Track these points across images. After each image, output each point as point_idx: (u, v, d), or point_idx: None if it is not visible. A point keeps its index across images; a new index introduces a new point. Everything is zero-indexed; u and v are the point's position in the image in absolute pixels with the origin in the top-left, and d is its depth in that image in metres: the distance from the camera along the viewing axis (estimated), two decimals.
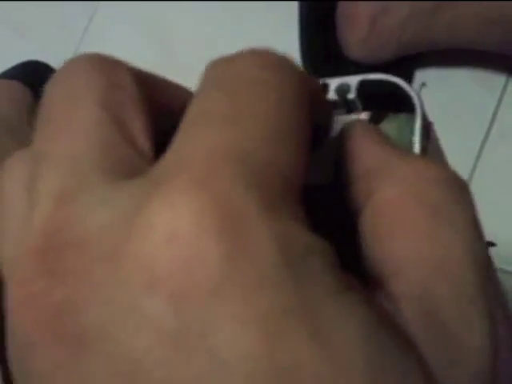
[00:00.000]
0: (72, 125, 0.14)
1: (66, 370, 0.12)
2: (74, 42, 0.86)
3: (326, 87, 0.20)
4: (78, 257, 0.12)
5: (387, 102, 0.20)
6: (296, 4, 0.68)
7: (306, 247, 0.12)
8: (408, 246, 0.14)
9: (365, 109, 0.20)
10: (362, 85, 0.20)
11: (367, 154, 0.16)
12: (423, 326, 0.13)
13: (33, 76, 0.83)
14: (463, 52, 0.62)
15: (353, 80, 0.20)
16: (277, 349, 0.11)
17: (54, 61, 0.86)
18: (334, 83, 0.20)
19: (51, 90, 0.16)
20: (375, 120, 0.20)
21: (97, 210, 0.13)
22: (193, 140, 0.13)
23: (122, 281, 0.12)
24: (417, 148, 0.19)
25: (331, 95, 0.20)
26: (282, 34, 0.67)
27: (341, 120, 0.19)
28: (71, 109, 0.15)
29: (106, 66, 0.15)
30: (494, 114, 0.61)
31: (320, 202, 0.18)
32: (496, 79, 0.62)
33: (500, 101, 0.61)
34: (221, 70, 0.15)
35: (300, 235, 0.12)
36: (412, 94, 0.19)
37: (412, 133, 0.19)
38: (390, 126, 0.20)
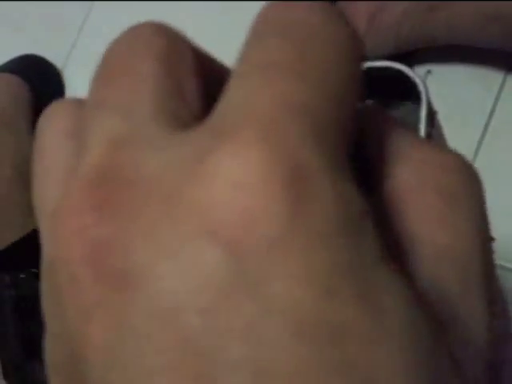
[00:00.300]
0: (129, 76, 0.14)
1: (104, 308, 0.12)
2: (71, 39, 0.86)
3: None
4: (131, 194, 0.12)
5: (391, 90, 0.20)
6: None
7: (361, 212, 0.12)
8: (421, 229, 0.14)
9: (369, 96, 0.20)
10: (367, 72, 0.20)
11: (383, 136, 0.16)
12: (431, 301, 0.14)
13: (30, 70, 0.83)
14: (461, 49, 0.63)
15: None
16: (328, 305, 0.11)
17: (50, 57, 0.86)
18: None
19: (111, 47, 0.15)
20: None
21: (155, 154, 0.12)
22: (257, 90, 0.13)
23: (177, 223, 0.11)
24: (422, 135, 0.19)
25: None
26: None
27: None
28: (130, 62, 0.14)
29: (167, 34, 0.15)
30: (492, 110, 0.61)
31: None
32: (494, 76, 0.62)
33: (497, 98, 0.61)
34: (282, 14, 0.14)
35: (357, 199, 0.12)
36: (417, 81, 0.19)
37: (417, 120, 0.20)
38: (394, 113, 0.20)
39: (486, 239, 0.15)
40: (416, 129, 0.20)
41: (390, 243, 0.15)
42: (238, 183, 0.11)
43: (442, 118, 0.23)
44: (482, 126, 0.60)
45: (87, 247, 0.12)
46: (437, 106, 0.25)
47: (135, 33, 0.15)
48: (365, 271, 0.12)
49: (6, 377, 0.59)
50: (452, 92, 0.62)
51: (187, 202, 0.11)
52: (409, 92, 0.20)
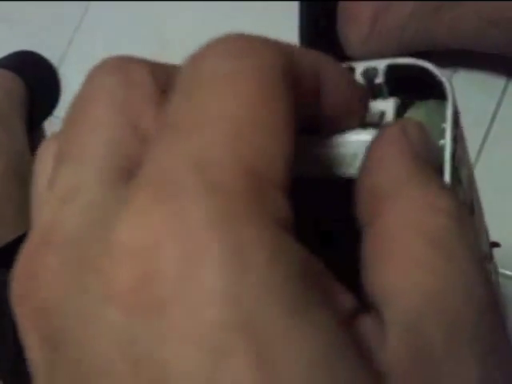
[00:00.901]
0: (84, 126, 0.15)
1: (46, 368, 0.13)
2: (68, 36, 0.85)
3: (352, 71, 0.19)
4: (55, 260, 0.13)
5: (415, 88, 0.19)
6: (296, 4, 0.67)
7: (269, 256, 0.12)
8: (403, 275, 0.14)
9: (391, 94, 0.19)
10: (390, 69, 0.19)
11: (384, 167, 0.16)
12: (408, 360, 0.13)
13: (26, 66, 0.82)
14: (463, 54, 0.62)
15: (380, 64, 0.19)
16: (218, 368, 0.11)
17: (46, 54, 0.85)
18: (360, 67, 0.19)
19: (77, 94, 0.16)
20: (402, 106, 0.19)
21: (84, 213, 0.13)
22: (161, 151, 0.13)
23: (85, 289, 0.12)
24: (448, 135, 0.18)
25: (357, 79, 0.19)
26: (282, 33, 0.66)
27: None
28: (86, 110, 0.15)
29: (121, 67, 0.16)
30: (494, 116, 0.61)
31: (320, 195, 0.18)
32: (495, 81, 0.62)
33: (499, 103, 0.61)
34: (185, 70, 0.15)
35: (265, 240, 0.12)
36: (443, 79, 0.18)
37: (442, 119, 0.19)
38: (418, 112, 0.19)
39: (477, 285, 0.14)
40: (439, 129, 0.19)
41: (369, 287, 0.14)
42: (132, 251, 0.12)
43: None
44: (483, 132, 0.60)
45: (29, 311, 0.13)
46: None
47: (93, 74, 0.16)
48: (263, 328, 0.11)
49: (2, 377, 0.58)
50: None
51: (91, 268, 0.12)
52: (433, 90, 0.19)
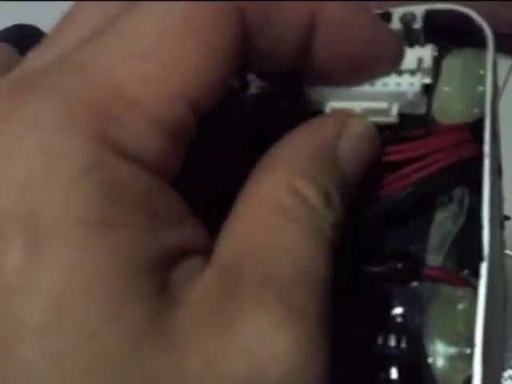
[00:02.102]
0: None
1: None
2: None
3: (389, 16, 0.19)
4: None
5: (452, 36, 0.19)
6: None
7: (80, 166, 0.12)
8: (240, 227, 0.15)
9: (427, 40, 0.19)
10: (428, 15, 0.18)
11: (285, 146, 0.16)
12: (212, 294, 0.13)
13: (23, 39, 0.80)
14: None
15: (419, 9, 0.18)
16: None
17: (44, 27, 0.84)
18: (397, 12, 0.19)
19: None
20: (439, 54, 0.19)
21: None
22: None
23: None
24: (489, 82, 0.17)
25: (395, 24, 0.19)
26: None
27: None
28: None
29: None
30: (499, 95, 0.61)
31: None
32: (502, 61, 0.62)
33: (505, 83, 0.61)
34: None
35: (84, 152, 0.12)
36: (483, 25, 0.18)
37: (479, 67, 0.18)
38: (456, 60, 0.19)
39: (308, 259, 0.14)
40: (477, 76, 0.19)
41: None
42: None
43: None
44: None
45: None
46: None
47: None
48: None
49: None
50: None
51: None
52: (470, 38, 0.19)
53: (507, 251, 0.58)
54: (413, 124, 0.17)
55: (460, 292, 0.17)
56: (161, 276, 0.13)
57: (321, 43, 0.16)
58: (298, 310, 0.13)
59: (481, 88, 0.18)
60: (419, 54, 0.18)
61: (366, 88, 0.17)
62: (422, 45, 0.19)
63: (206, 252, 0.14)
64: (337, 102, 0.17)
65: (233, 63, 0.14)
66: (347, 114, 0.17)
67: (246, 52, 0.14)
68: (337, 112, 0.17)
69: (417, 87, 0.17)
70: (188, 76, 0.13)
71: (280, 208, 0.14)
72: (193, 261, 0.14)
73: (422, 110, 0.18)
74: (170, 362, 0.12)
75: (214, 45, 0.13)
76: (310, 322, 0.13)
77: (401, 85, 0.17)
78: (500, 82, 0.61)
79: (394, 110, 0.17)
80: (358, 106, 0.17)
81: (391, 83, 0.17)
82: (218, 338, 0.12)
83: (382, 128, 0.17)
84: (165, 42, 0.13)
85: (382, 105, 0.17)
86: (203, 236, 0.14)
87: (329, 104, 0.18)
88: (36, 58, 0.15)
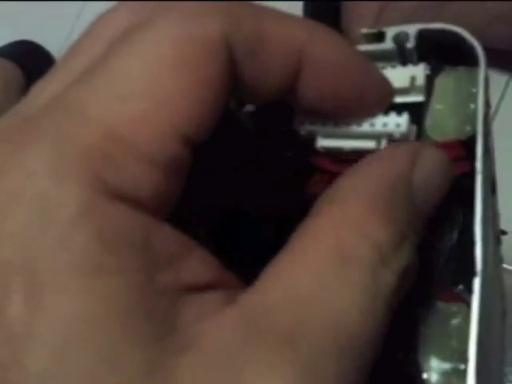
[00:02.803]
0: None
1: None
2: (68, 26, 0.84)
3: (382, 35, 0.19)
4: None
5: (445, 54, 0.19)
6: (300, 4, 0.67)
7: (73, 214, 0.12)
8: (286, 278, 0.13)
9: (420, 59, 0.19)
10: (421, 34, 0.19)
11: (356, 180, 0.15)
12: (233, 340, 0.12)
13: (25, 55, 0.81)
14: None
15: (411, 28, 0.19)
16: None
17: (46, 44, 0.85)
18: (391, 31, 0.19)
19: None
20: (432, 72, 0.19)
21: None
22: None
23: None
24: (480, 100, 0.18)
25: (388, 44, 0.19)
26: None
27: None
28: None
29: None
30: (495, 111, 0.61)
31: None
32: (498, 77, 0.62)
33: (502, 98, 0.61)
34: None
35: (74, 199, 0.12)
36: (474, 44, 0.18)
37: (471, 85, 0.19)
38: (448, 78, 0.19)
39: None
40: (469, 93, 0.19)
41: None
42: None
43: None
44: None
45: None
46: None
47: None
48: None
49: None
50: None
51: None
52: (462, 56, 0.19)
53: (506, 265, 0.58)
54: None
55: (454, 307, 0.17)
56: (164, 319, 0.12)
57: (306, 83, 0.16)
58: (320, 380, 0.12)
59: (473, 106, 0.18)
60: (412, 73, 0.19)
61: (353, 128, 0.17)
62: (415, 63, 0.19)
63: (227, 286, 0.13)
64: (326, 139, 0.18)
65: (223, 95, 0.14)
66: (419, 143, 0.16)
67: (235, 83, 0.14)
68: (408, 141, 0.16)
69: (403, 127, 0.17)
70: (179, 112, 0.13)
71: (340, 250, 0.13)
72: (209, 297, 0.13)
73: (412, 138, 0.18)
74: None
75: (202, 79, 0.13)
76: None
77: (387, 125, 0.17)
78: (496, 98, 0.61)
79: (383, 146, 0.17)
80: (347, 144, 0.17)
81: (378, 123, 0.17)
82: None
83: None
84: (154, 80, 0.13)
85: (371, 144, 0.17)
86: (218, 268, 0.13)
87: (319, 140, 0.18)
88: (39, 92, 0.15)
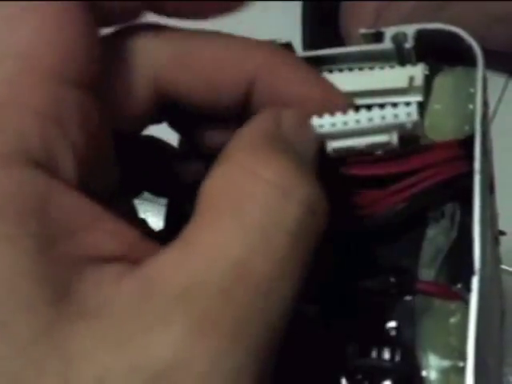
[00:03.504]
0: None
1: None
2: None
3: (381, 35, 0.19)
4: None
5: (443, 55, 0.19)
6: (298, 4, 0.67)
7: None
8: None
9: (419, 59, 0.19)
10: (419, 35, 0.19)
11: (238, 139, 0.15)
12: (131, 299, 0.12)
13: None
14: None
15: (410, 29, 0.19)
16: None
17: None
18: (390, 31, 0.19)
19: None
20: (430, 72, 0.19)
21: None
22: None
23: None
24: (478, 100, 0.18)
25: (387, 44, 0.19)
26: (283, 33, 0.66)
27: None
28: None
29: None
30: (494, 112, 0.61)
31: None
32: (496, 79, 0.62)
33: (500, 100, 0.61)
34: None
35: None
36: (472, 44, 0.18)
37: (469, 85, 0.19)
38: (446, 79, 0.19)
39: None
40: (467, 94, 0.19)
41: None
42: None
43: None
44: None
45: None
46: None
47: None
48: None
49: None
50: None
51: None
52: (460, 57, 0.19)
53: (504, 266, 0.58)
54: (404, 141, 0.17)
55: (452, 306, 0.17)
56: (61, 287, 0.12)
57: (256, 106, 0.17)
58: (212, 324, 0.12)
59: (471, 106, 0.19)
60: (411, 73, 0.19)
61: (364, 124, 0.17)
62: (414, 63, 0.19)
63: (141, 259, 0.13)
64: (337, 140, 0.17)
65: (90, 33, 0.15)
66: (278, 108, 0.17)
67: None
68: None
69: (414, 116, 0.17)
70: (50, 59, 0.14)
71: (232, 198, 0.13)
72: (111, 267, 0.13)
73: (420, 132, 0.18)
74: (60, 375, 0.11)
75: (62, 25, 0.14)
76: (223, 334, 0.12)
77: (398, 116, 0.17)
78: (495, 99, 0.61)
79: (395, 139, 0.17)
80: (358, 142, 0.17)
81: (388, 116, 0.17)
82: (114, 353, 0.12)
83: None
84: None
85: (383, 138, 0.17)
86: (131, 241, 0.13)
87: (329, 144, 0.17)
88: None
